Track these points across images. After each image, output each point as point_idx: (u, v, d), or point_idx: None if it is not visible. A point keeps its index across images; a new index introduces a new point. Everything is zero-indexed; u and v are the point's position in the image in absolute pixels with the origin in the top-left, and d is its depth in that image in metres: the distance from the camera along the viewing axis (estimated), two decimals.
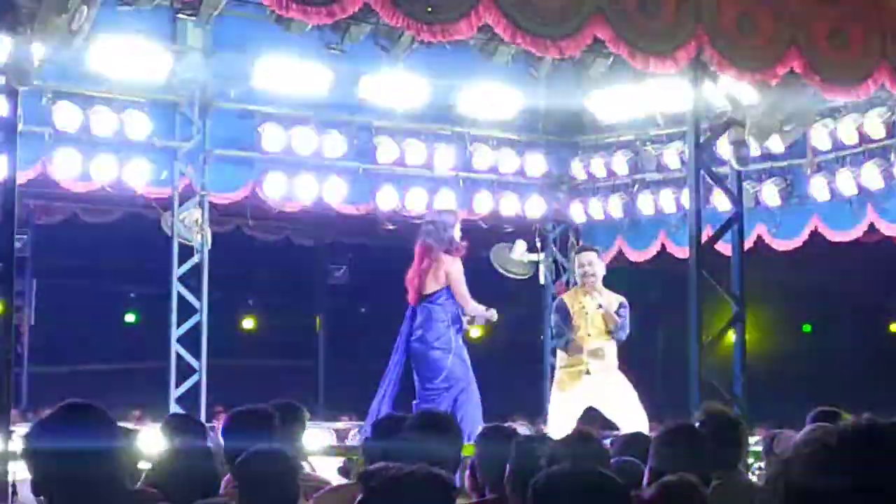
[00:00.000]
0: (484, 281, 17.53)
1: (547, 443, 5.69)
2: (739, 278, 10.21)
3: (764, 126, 10.23)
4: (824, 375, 23.37)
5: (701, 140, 10.09)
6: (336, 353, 22.30)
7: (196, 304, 13.73)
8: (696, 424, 6.18)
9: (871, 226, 13.92)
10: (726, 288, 10.04)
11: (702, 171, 10.04)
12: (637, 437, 6.77)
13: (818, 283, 21.42)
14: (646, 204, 15.27)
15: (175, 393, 13.52)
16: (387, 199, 14.82)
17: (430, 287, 11.50)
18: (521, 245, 15.95)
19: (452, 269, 11.31)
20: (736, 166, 10.39)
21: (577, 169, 15.71)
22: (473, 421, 10.70)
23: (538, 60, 10.51)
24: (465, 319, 11.58)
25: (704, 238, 10.31)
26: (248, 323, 22.96)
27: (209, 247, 13.81)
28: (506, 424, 7.39)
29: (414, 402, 11.39)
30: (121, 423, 4.85)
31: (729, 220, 10.29)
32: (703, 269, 9.82)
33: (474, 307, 11.43)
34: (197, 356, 13.67)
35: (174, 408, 13.29)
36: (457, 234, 11.68)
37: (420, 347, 11.46)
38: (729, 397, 10.01)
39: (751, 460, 8.68)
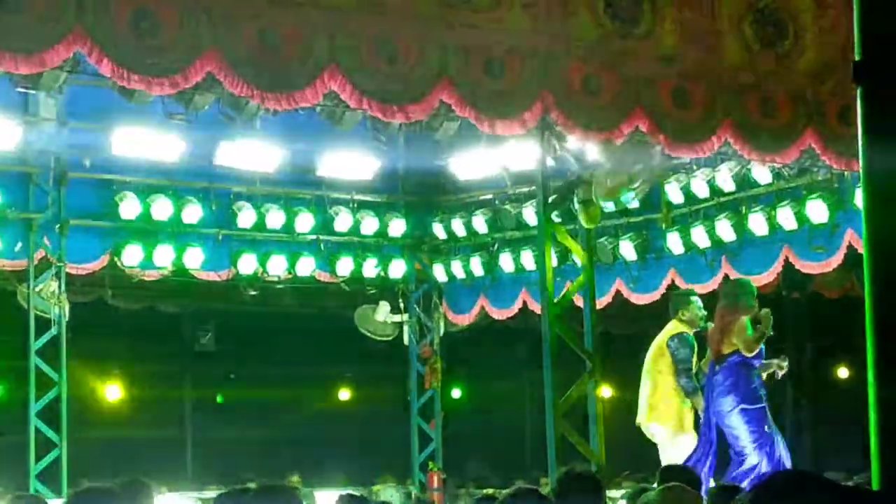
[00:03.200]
0: (348, 342, 17.55)
1: None
2: (592, 334, 10.30)
3: (610, 184, 10.38)
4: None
5: (550, 199, 10.19)
6: (204, 422, 22.04)
7: (54, 376, 13.51)
8: (555, 487, 6.21)
9: (726, 277, 14.17)
10: (579, 345, 10.12)
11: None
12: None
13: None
14: (506, 262, 15.39)
15: (35, 469, 13.25)
16: (247, 265, 14.76)
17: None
18: (384, 306, 16.01)
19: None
20: (585, 225, 10.51)
21: (438, 229, 15.80)
22: None
23: (385, 125, 10.54)
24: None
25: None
26: (113, 393, 22.58)
27: (67, 318, 13.62)
28: None
29: None
30: None
31: (581, 278, 10.39)
32: (557, 326, 9.90)
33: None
34: (57, 430, 13.43)
35: (34, 484, 13.05)
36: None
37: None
38: (586, 455, 10.08)
39: None
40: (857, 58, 3.12)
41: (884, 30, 3.00)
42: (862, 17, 3.08)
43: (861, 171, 2.98)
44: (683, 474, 7.41)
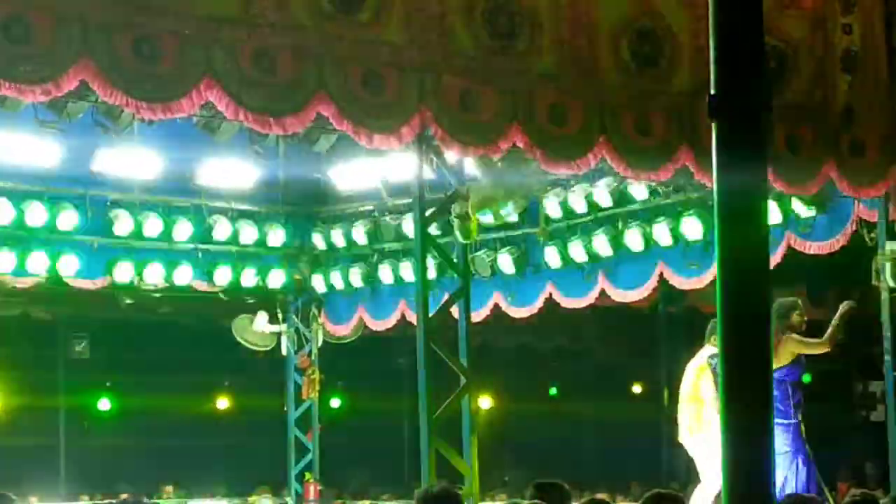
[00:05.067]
0: (226, 352, 17.44)
1: None
2: (467, 349, 10.32)
3: (487, 199, 10.43)
4: (572, 437, 23.86)
5: (427, 213, 10.20)
6: (79, 430, 21.75)
7: None
8: None
9: (603, 291, 14.31)
10: (454, 359, 10.14)
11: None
12: None
13: (561, 347, 21.89)
14: (385, 273, 15.37)
15: None
16: (123, 273, 14.58)
17: None
18: (262, 316, 15.92)
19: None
20: (461, 239, 10.54)
21: (318, 239, 15.76)
22: None
23: (263, 136, 10.49)
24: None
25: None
26: None
27: None
28: None
29: None
30: None
31: (456, 292, 10.40)
32: (432, 340, 9.91)
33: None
34: None
35: None
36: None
37: None
38: (460, 469, 10.10)
39: None
40: (712, 91, 3.17)
41: (737, 64, 3.05)
42: (717, 52, 3.13)
43: (715, 199, 3.03)
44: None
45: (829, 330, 12.15)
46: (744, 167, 2.98)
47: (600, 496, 8.73)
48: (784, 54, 10.95)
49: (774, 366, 12.33)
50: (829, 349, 12.31)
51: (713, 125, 3.08)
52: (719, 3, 3.05)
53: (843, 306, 12.43)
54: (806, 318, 12.24)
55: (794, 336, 12.40)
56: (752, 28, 3.03)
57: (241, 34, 8.63)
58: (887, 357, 12.50)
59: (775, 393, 12.43)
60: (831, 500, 13.46)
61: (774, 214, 12.84)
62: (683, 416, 12.59)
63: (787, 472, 12.38)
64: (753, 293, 2.91)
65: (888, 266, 12.05)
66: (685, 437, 12.58)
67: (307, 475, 16.05)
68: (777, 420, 12.37)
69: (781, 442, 12.43)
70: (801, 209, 12.72)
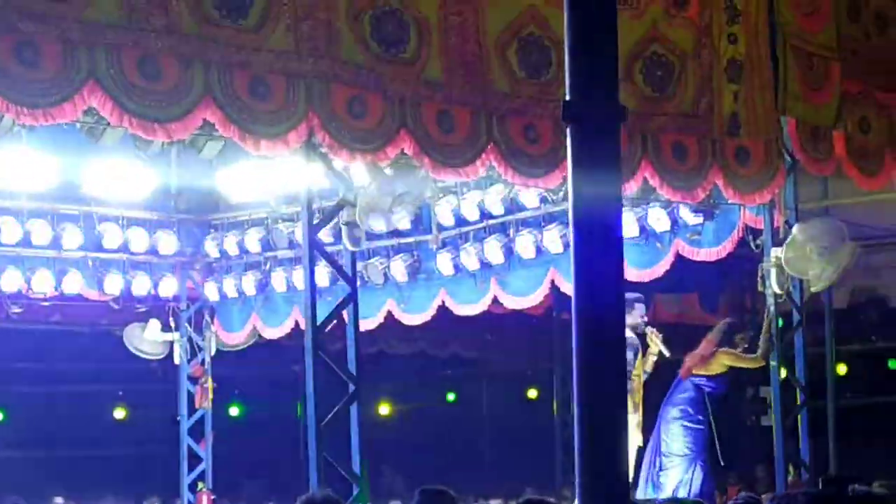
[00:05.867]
0: (119, 361, 17.26)
1: None
2: (356, 357, 10.31)
3: (375, 207, 10.43)
4: (469, 443, 23.92)
5: (315, 220, 10.18)
6: None
7: None
8: None
9: (496, 298, 14.38)
10: (342, 367, 10.11)
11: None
12: None
13: (456, 353, 21.93)
14: (279, 281, 15.32)
15: None
16: (11, 282, 14.39)
17: None
18: (154, 325, 15.79)
19: None
20: (349, 247, 10.52)
21: (211, 247, 15.66)
22: None
23: (149, 143, 10.40)
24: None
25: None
26: None
27: None
28: None
29: None
30: None
31: (344, 299, 10.39)
32: (321, 348, 9.87)
33: None
34: None
35: None
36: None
37: None
38: (349, 477, 10.09)
39: None
40: (567, 97, 3.20)
41: (590, 71, 3.08)
42: (570, 59, 3.15)
43: (570, 204, 3.06)
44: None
45: (761, 346, 12.54)
46: (598, 173, 3.01)
47: (535, 497, 8.77)
48: (671, 63, 11.09)
49: (701, 373, 12.77)
50: (762, 364, 12.72)
51: (567, 130, 3.11)
52: (573, 11, 3.08)
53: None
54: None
55: (730, 350, 12.78)
56: (605, 36, 3.06)
57: (125, 39, 8.55)
58: (773, 363, 12.70)
59: (689, 396, 12.78)
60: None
61: (662, 222, 12.99)
62: None
63: (684, 475, 12.63)
64: (608, 296, 2.93)
65: (773, 272, 12.24)
66: None
67: (200, 484, 15.94)
68: (684, 422, 12.62)
69: (684, 444, 12.67)
70: (689, 216, 12.87)
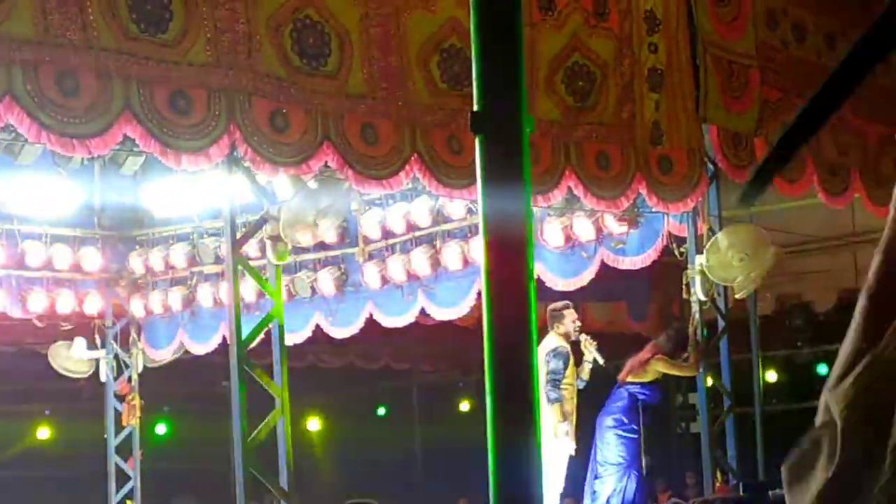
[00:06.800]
0: (43, 380, 17.09)
1: None
2: (283, 370, 10.26)
3: (299, 220, 10.39)
4: (401, 456, 23.88)
5: (239, 235, 10.13)
6: None
7: None
8: None
9: (423, 310, 14.35)
10: (267, 380, 10.06)
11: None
12: None
13: (387, 366, 21.88)
14: (205, 296, 15.21)
15: None
16: None
17: None
18: (80, 343, 15.63)
19: None
20: (274, 261, 10.48)
21: (136, 263, 15.52)
22: None
23: (69, 159, 10.31)
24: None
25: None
26: None
27: None
28: None
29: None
30: None
31: (269, 314, 10.34)
32: (246, 363, 9.82)
33: None
34: None
35: None
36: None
37: None
38: (277, 493, 10.04)
39: None
40: (475, 108, 3.20)
41: (499, 82, 3.08)
42: (479, 69, 3.16)
43: (480, 215, 3.06)
44: None
45: (690, 355, 12.65)
46: (507, 184, 3.00)
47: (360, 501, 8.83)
48: (593, 73, 11.15)
49: (635, 380, 12.90)
50: (696, 373, 12.84)
51: (476, 141, 3.11)
52: (479, 19, 3.08)
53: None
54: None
55: (665, 357, 12.91)
56: (510, 44, 3.07)
57: (41, 55, 8.47)
58: (700, 369, 12.79)
59: (623, 404, 12.91)
60: None
61: (587, 231, 13.04)
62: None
63: (618, 484, 12.72)
64: (518, 305, 2.93)
65: (698, 280, 12.32)
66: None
67: (128, 502, 15.78)
68: (617, 431, 12.73)
69: (617, 453, 12.77)
70: (613, 225, 12.92)
